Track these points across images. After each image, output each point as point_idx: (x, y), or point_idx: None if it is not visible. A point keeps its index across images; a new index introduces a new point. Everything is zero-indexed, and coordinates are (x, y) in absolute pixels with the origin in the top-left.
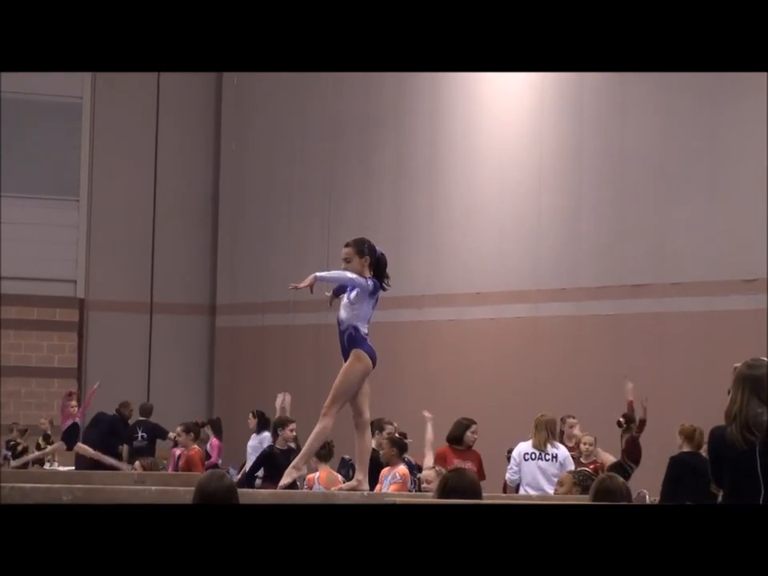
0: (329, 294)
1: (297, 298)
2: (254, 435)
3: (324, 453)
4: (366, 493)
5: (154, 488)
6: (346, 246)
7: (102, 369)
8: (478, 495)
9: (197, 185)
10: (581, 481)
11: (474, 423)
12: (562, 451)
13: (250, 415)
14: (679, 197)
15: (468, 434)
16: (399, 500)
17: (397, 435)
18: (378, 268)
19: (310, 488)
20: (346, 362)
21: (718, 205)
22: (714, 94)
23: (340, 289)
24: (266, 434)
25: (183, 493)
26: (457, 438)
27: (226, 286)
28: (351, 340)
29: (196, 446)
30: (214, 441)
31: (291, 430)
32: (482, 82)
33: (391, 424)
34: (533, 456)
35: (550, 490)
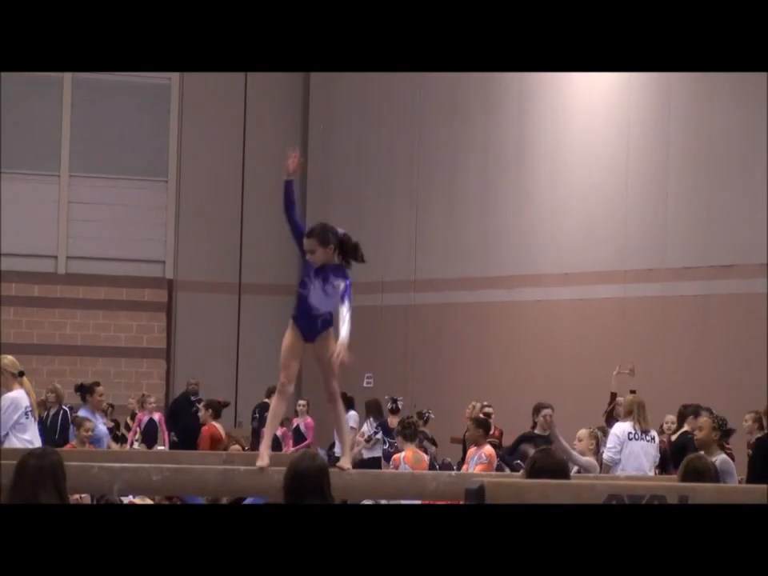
0: None
1: (386, 279)
2: None
3: (408, 433)
4: (453, 473)
5: (242, 468)
6: (308, 236)
7: (191, 349)
8: (566, 475)
9: (285, 165)
10: (719, 425)
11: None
12: (656, 433)
13: None
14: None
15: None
16: (487, 480)
17: (481, 415)
18: (344, 249)
19: (396, 467)
20: (309, 340)
21: None
22: None
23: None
24: (352, 413)
25: (272, 473)
26: None
27: None
28: (326, 323)
29: (214, 423)
30: (309, 420)
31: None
32: None
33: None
34: (636, 436)
35: (651, 472)
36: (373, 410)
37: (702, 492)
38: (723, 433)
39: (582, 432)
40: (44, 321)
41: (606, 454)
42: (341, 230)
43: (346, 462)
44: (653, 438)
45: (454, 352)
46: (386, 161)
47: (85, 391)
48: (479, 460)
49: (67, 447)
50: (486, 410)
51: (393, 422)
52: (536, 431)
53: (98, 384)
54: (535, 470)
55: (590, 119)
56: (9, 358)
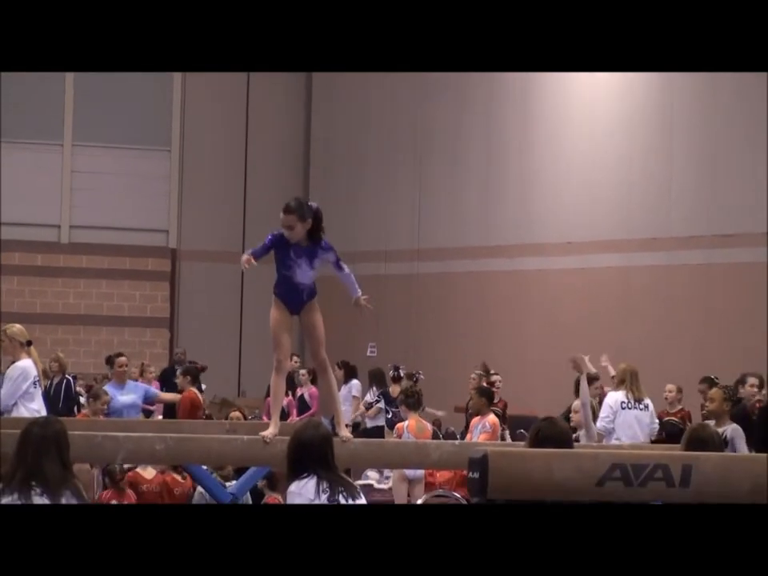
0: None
1: (389, 248)
2: (343, 385)
3: (412, 402)
4: (457, 443)
5: (246, 437)
6: (288, 212)
7: (194, 318)
8: (569, 444)
9: (288, 134)
10: (730, 396)
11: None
12: (650, 401)
13: (335, 367)
14: None
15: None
16: (490, 449)
17: (485, 384)
18: (316, 222)
19: (399, 436)
20: (295, 312)
21: None
22: None
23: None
24: (354, 382)
25: (276, 442)
26: None
27: None
28: (311, 294)
29: (193, 389)
30: (313, 390)
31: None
32: None
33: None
34: (629, 405)
35: (646, 440)
36: (376, 378)
37: (706, 461)
38: (734, 402)
39: (576, 404)
40: (47, 290)
41: (600, 424)
42: (314, 204)
43: (344, 432)
44: (646, 407)
45: (456, 321)
46: (389, 130)
47: (111, 363)
48: (483, 429)
49: (80, 417)
50: (494, 377)
51: (395, 390)
52: None
53: (119, 354)
54: (539, 439)
55: (594, 88)
56: (17, 327)
